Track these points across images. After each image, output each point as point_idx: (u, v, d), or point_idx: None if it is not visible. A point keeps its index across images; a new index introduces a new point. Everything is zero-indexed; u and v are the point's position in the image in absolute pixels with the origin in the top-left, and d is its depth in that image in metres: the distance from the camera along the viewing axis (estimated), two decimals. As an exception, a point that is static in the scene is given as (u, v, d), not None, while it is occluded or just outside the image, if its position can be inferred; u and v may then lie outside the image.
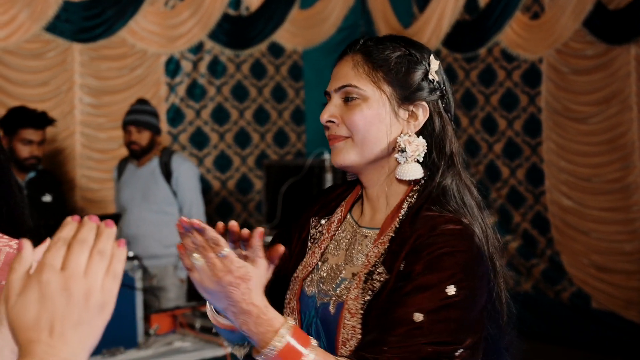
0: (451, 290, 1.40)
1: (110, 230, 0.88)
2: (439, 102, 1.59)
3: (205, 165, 6.50)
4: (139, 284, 3.63)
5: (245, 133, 6.69)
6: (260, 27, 6.57)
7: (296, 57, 6.90)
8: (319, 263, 1.63)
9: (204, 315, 3.72)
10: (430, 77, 1.58)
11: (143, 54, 6.06)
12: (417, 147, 1.55)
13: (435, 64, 1.60)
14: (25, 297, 0.83)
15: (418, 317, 1.38)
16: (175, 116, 6.35)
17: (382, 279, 1.48)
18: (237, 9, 6.51)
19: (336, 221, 1.66)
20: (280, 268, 1.69)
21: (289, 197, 5.31)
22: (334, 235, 1.65)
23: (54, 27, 5.67)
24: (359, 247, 1.59)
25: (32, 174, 4.50)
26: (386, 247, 1.51)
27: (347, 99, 1.57)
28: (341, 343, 1.49)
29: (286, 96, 6.88)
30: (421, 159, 1.56)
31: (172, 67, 6.28)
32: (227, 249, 1.34)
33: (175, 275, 4.71)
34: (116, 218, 4.36)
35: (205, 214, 4.99)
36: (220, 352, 3.58)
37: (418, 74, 1.57)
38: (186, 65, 6.36)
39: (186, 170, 4.75)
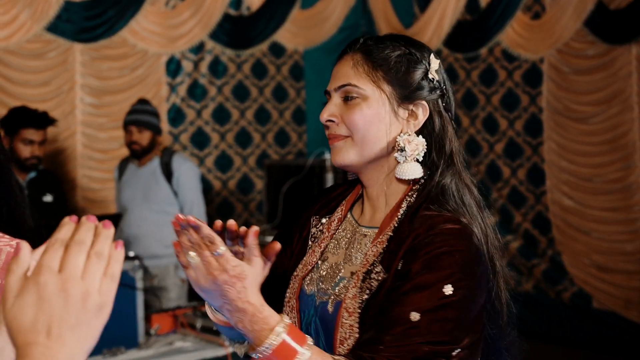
0: (449, 289, 1.40)
1: (107, 231, 0.88)
2: (439, 101, 1.59)
3: (206, 165, 6.50)
4: (139, 284, 3.63)
5: (246, 133, 6.69)
6: (261, 27, 6.57)
7: (297, 57, 6.90)
8: (319, 262, 1.63)
9: (205, 315, 3.72)
10: (430, 76, 1.58)
11: (144, 54, 6.07)
12: (417, 146, 1.54)
13: (435, 63, 1.59)
14: (23, 299, 0.83)
15: (415, 316, 1.38)
16: (176, 116, 6.35)
17: (379, 278, 1.47)
18: (238, 9, 6.51)
19: (336, 220, 1.66)
20: (281, 266, 1.70)
21: (290, 197, 5.31)
22: (334, 234, 1.65)
23: (55, 27, 5.67)
24: (358, 246, 1.59)
25: (33, 174, 4.50)
26: (384, 246, 1.51)
27: (346, 98, 1.57)
28: (339, 342, 1.49)
29: (287, 96, 6.88)
30: (421, 159, 1.55)
31: (173, 67, 6.28)
32: (222, 248, 1.34)
33: (176, 275, 4.71)
34: (117, 218, 4.36)
35: (206, 214, 4.99)
36: (221, 352, 3.58)
37: (418, 73, 1.57)
38: (187, 65, 6.36)
39: (187, 170, 4.75)
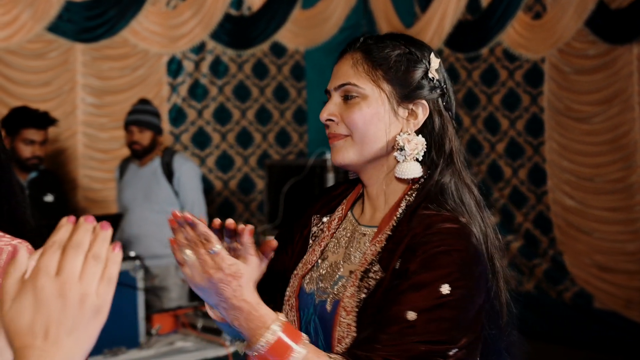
0: (446, 289, 1.39)
1: (105, 232, 0.88)
2: (439, 100, 1.58)
3: (207, 165, 6.50)
4: (140, 284, 3.63)
5: (247, 133, 6.69)
6: (262, 27, 6.57)
7: (298, 57, 6.90)
8: (319, 261, 1.63)
9: (206, 315, 3.72)
10: (430, 75, 1.57)
11: (145, 54, 6.07)
12: (416, 145, 1.54)
13: (435, 62, 1.59)
14: (20, 302, 0.83)
15: (412, 315, 1.38)
16: (177, 116, 6.35)
17: (377, 277, 1.47)
18: (238, 9, 6.51)
19: (337, 219, 1.66)
20: (282, 265, 1.70)
21: (291, 197, 5.31)
22: (334, 233, 1.65)
23: (56, 27, 5.67)
24: (357, 245, 1.59)
25: (34, 174, 4.50)
26: (383, 245, 1.51)
27: (346, 98, 1.56)
28: (337, 341, 1.49)
29: (288, 96, 6.88)
30: (420, 158, 1.55)
31: (174, 67, 6.28)
32: (218, 246, 1.35)
33: (177, 275, 4.71)
34: (118, 218, 4.36)
35: (207, 214, 4.99)
36: (222, 352, 3.58)
37: (418, 72, 1.57)
38: (188, 65, 6.36)
39: (188, 170, 4.75)
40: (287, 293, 1.64)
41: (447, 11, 6.47)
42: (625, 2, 5.56)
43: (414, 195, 1.55)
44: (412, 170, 1.54)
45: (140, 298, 3.60)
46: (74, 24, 5.75)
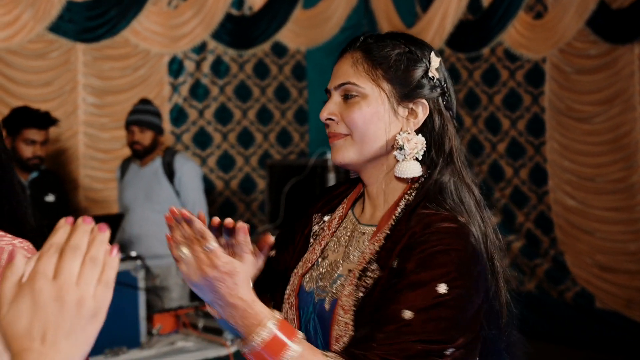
0: (443, 288, 1.39)
1: (103, 235, 0.87)
2: (440, 99, 1.58)
3: (209, 165, 6.50)
4: (141, 283, 3.63)
5: (249, 133, 6.69)
6: (263, 27, 6.57)
7: (299, 57, 6.90)
8: (319, 259, 1.63)
9: (207, 315, 3.72)
10: (430, 74, 1.57)
11: (146, 54, 6.07)
12: (416, 144, 1.54)
13: (435, 61, 1.58)
14: (18, 305, 0.83)
15: (408, 314, 1.37)
16: (179, 116, 6.35)
17: (375, 275, 1.47)
18: (240, 9, 6.51)
19: (337, 218, 1.67)
20: (283, 263, 1.70)
21: (292, 196, 5.31)
22: (335, 232, 1.65)
23: (57, 27, 5.67)
24: (356, 244, 1.59)
25: (35, 174, 4.50)
26: (381, 244, 1.51)
27: (346, 97, 1.56)
28: (334, 339, 1.49)
29: (289, 96, 6.88)
30: (420, 157, 1.55)
31: (175, 67, 6.28)
32: (213, 243, 1.35)
33: (178, 275, 4.71)
34: (119, 218, 4.36)
35: (209, 214, 4.99)
36: (223, 352, 3.58)
37: (418, 72, 1.56)
38: (189, 65, 6.36)
39: (189, 170, 4.75)
40: (287, 292, 1.64)
41: (448, 11, 6.47)
42: (627, 2, 5.55)
43: (413, 194, 1.55)
44: (412, 169, 1.54)
45: (142, 298, 3.60)
46: (75, 24, 5.75)
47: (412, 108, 1.56)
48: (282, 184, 5.42)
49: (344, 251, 1.60)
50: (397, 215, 1.53)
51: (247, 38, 6.54)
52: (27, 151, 4.37)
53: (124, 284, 3.48)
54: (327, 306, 1.54)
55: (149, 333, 3.68)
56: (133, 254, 3.79)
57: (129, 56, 6.02)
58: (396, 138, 1.55)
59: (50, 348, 0.82)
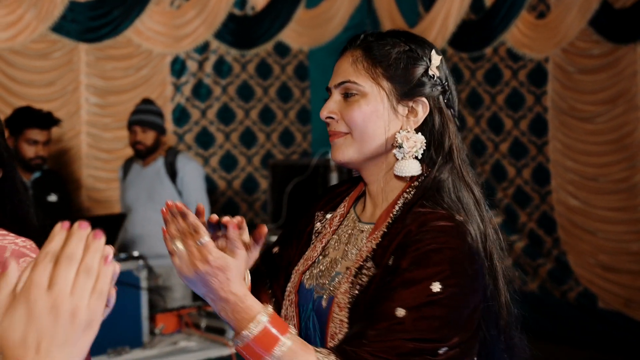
0: (436, 287, 1.38)
1: (98, 243, 0.87)
2: (440, 97, 1.57)
3: (211, 165, 6.50)
4: (144, 283, 3.63)
5: (251, 133, 6.69)
6: (265, 26, 6.57)
7: (302, 57, 6.90)
8: (320, 257, 1.63)
9: (210, 315, 3.72)
10: (430, 72, 1.56)
11: (149, 54, 6.07)
12: (415, 143, 1.54)
13: (436, 59, 1.58)
14: (12, 315, 0.84)
15: (400, 312, 1.37)
16: (181, 116, 6.35)
17: (370, 273, 1.47)
18: (242, 9, 6.51)
19: (339, 216, 1.67)
20: (287, 260, 1.71)
21: (295, 196, 5.31)
22: (336, 229, 1.65)
23: (60, 27, 5.68)
24: (355, 242, 1.59)
25: (37, 174, 4.51)
26: (378, 242, 1.51)
27: (346, 95, 1.56)
28: (330, 337, 1.49)
29: (292, 96, 6.88)
30: (419, 156, 1.55)
31: (178, 67, 6.29)
32: (206, 238, 1.36)
33: (180, 274, 4.70)
34: (122, 218, 4.37)
35: (211, 213, 4.98)
36: (225, 351, 3.58)
37: (418, 70, 1.56)
38: (192, 65, 6.36)
39: (191, 170, 4.75)
40: (288, 288, 1.64)
41: (451, 11, 6.46)
42: (629, 2, 5.55)
43: (412, 192, 1.55)
44: (411, 168, 1.54)
45: (144, 298, 3.60)
46: (78, 24, 5.76)
47: (412, 106, 1.56)
48: (285, 184, 5.42)
49: (344, 249, 1.60)
50: (394, 213, 1.53)
51: (249, 38, 6.54)
52: (29, 151, 4.38)
53: (126, 283, 3.49)
54: (324, 303, 1.54)
55: (152, 333, 3.68)
56: (135, 253, 3.79)
57: (132, 56, 6.03)
58: (395, 136, 1.54)
59: (45, 358, 0.83)
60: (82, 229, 0.87)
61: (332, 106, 1.58)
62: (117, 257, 3.65)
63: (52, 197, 4.56)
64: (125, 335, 3.50)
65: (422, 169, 1.55)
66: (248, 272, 1.54)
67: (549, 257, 6.23)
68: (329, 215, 1.69)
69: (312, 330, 1.56)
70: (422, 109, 1.56)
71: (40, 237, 1.55)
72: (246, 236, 1.45)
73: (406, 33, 1.62)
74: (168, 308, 4.05)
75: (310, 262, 1.63)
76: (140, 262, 3.64)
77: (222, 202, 6.52)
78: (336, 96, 1.58)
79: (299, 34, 6.77)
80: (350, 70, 1.56)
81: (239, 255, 1.38)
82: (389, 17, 6.89)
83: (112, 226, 4.14)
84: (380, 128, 1.54)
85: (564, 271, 6.11)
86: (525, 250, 6.32)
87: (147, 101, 4.89)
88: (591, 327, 5.90)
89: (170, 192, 4.69)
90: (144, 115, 4.70)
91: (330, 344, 1.47)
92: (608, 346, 5.75)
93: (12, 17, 5.46)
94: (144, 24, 5.99)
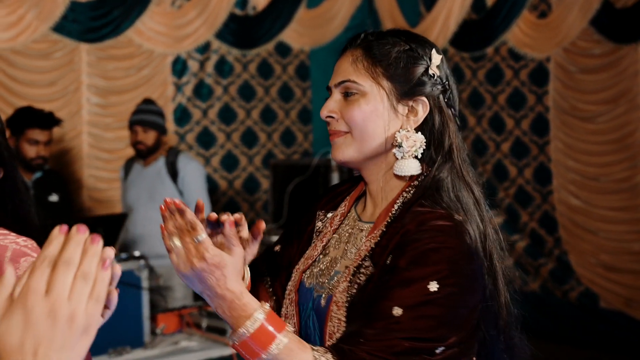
0: (434, 286, 1.38)
1: (95, 248, 0.87)
2: (441, 97, 1.57)
3: (212, 164, 6.50)
4: (145, 283, 3.63)
5: (252, 133, 6.69)
6: (267, 26, 6.57)
7: (303, 57, 6.90)
8: (320, 256, 1.63)
9: (211, 315, 3.72)
10: (431, 72, 1.56)
11: (150, 54, 6.07)
12: (415, 142, 1.53)
13: (437, 58, 1.57)
14: (10, 320, 0.84)
15: (397, 311, 1.37)
16: (182, 116, 6.35)
17: (368, 272, 1.47)
18: (243, 9, 6.51)
19: (339, 215, 1.67)
20: (288, 259, 1.71)
21: (296, 196, 5.31)
22: (337, 229, 1.65)
23: (61, 27, 5.68)
24: (354, 241, 1.59)
25: (38, 174, 4.51)
26: (377, 241, 1.51)
27: (346, 94, 1.56)
28: (328, 335, 1.49)
29: (293, 96, 6.88)
30: (419, 155, 1.55)
31: (179, 67, 6.29)
32: (203, 235, 1.36)
33: (181, 274, 4.70)
34: (123, 218, 4.37)
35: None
36: (227, 351, 3.58)
37: (418, 69, 1.56)
38: (193, 65, 6.36)
39: (192, 170, 4.76)
40: (289, 287, 1.65)
41: (452, 10, 6.46)
42: (631, 1, 5.54)
43: (411, 192, 1.54)
44: (410, 167, 1.54)
45: (145, 298, 3.60)
46: (79, 24, 5.76)
47: (412, 106, 1.56)
48: (286, 184, 5.42)
49: (344, 248, 1.60)
50: (393, 212, 1.53)
51: (250, 38, 6.54)
52: (30, 151, 4.38)
53: (127, 283, 3.49)
54: (323, 302, 1.54)
55: (153, 333, 3.68)
56: (136, 253, 3.79)
57: (133, 56, 6.03)
58: (395, 136, 1.54)
59: None
60: (80, 233, 0.87)
61: (332, 105, 1.58)
62: (118, 257, 3.65)
63: (53, 197, 4.56)
64: (126, 335, 3.50)
65: (422, 169, 1.55)
66: (247, 268, 1.54)
67: (550, 257, 6.23)
68: (330, 215, 1.69)
69: (312, 329, 1.56)
70: (422, 108, 1.55)
71: (41, 237, 1.55)
72: (245, 232, 1.45)
73: (406, 32, 1.62)
74: (169, 308, 4.05)
75: (310, 261, 1.63)
76: (142, 262, 3.64)
77: (223, 202, 6.52)
78: (336, 95, 1.58)
79: (300, 34, 6.77)
80: (350, 69, 1.56)
81: (235, 253, 1.39)
82: (390, 17, 6.89)
83: (113, 226, 4.14)
84: (380, 127, 1.54)
85: (566, 271, 6.11)
86: (527, 250, 6.32)
87: (148, 101, 4.90)
88: (592, 327, 5.90)
89: (172, 192, 4.69)
90: (145, 115, 4.71)
91: (329, 342, 1.47)
92: (609, 346, 5.74)
93: (14, 17, 5.46)
94: (145, 24, 6.00)
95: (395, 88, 1.54)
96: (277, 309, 1.68)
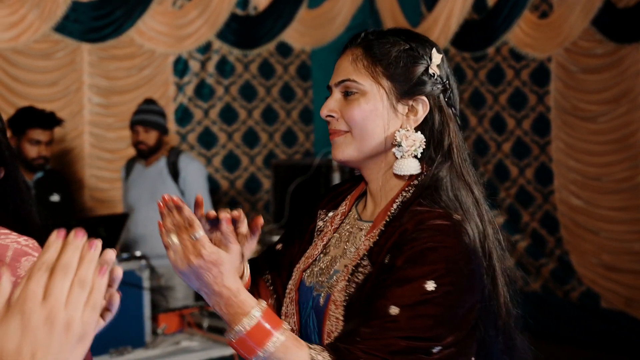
0: (430, 285, 1.38)
1: (93, 254, 0.87)
2: (441, 96, 1.57)
3: (214, 164, 6.51)
4: (146, 283, 3.63)
5: (254, 133, 6.69)
6: (268, 26, 6.57)
7: (304, 57, 6.90)
8: (321, 255, 1.63)
9: (212, 315, 3.72)
10: (431, 71, 1.56)
11: (151, 54, 6.08)
12: (414, 142, 1.53)
13: (437, 57, 1.57)
14: (7, 326, 0.84)
15: (394, 310, 1.37)
16: (184, 116, 6.36)
17: (366, 271, 1.47)
18: (245, 9, 6.51)
19: (340, 214, 1.67)
20: (289, 258, 1.71)
21: (297, 196, 5.32)
22: (337, 228, 1.65)
23: (63, 27, 5.68)
24: (354, 240, 1.59)
25: (39, 174, 4.51)
26: (375, 240, 1.51)
27: (346, 94, 1.56)
28: (327, 334, 1.49)
29: (294, 96, 6.88)
30: (419, 154, 1.54)
31: (181, 67, 6.29)
32: (200, 232, 1.36)
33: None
34: (124, 218, 4.37)
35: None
36: (228, 351, 3.58)
37: (419, 68, 1.55)
38: (194, 65, 6.36)
39: (194, 170, 4.76)
40: (289, 286, 1.65)
41: (454, 10, 6.46)
42: (632, 1, 5.54)
43: (410, 191, 1.54)
44: (410, 166, 1.53)
45: (146, 297, 3.61)
46: (80, 24, 5.76)
47: (412, 105, 1.55)
48: (287, 184, 5.43)
49: (344, 247, 1.60)
50: (392, 212, 1.53)
51: (252, 38, 6.54)
52: (32, 151, 4.38)
53: (128, 283, 3.49)
54: (321, 301, 1.54)
55: (154, 333, 3.68)
56: (138, 253, 3.80)
57: (135, 56, 6.03)
58: (395, 135, 1.54)
59: None
60: (78, 238, 0.87)
61: (332, 105, 1.58)
62: (119, 257, 3.65)
63: (55, 197, 4.56)
64: (127, 335, 3.50)
65: (422, 168, 1.55)
66: (247, 265, 1.54)
67: (551, 257, 6.22)
68: (330, 214, 1.70)
69: (311, 327, 1.56)
70: (422, 108, 1.55)
71: (42, 237, 1.55)
72: (245, 228, 1.45)
73: (407, 31, 1.61)
74: (170, 308, 4.05)
75: (311, 260, 1.63)
76: (143, 262, 3.65)
77: (224, 202, 6.52)
78: (336, 95, 1.58)
79: (302, 34, 6.77)
80: (351, 68, 1.56)
81: (232, 250, 1.39)
82: (392, 17, 6.89)
83: (114, 226, 4.14)
84: (379, 127, 1.54)
85: (567, 271, 6.11)
86: (528, 250, 6.32)
87: (149, 101, 4.90)
88: (594, 326, 5.89)
89: (173, 192, 4.69)
90: (147, 115, 4.71)
91: (327, 341, 1.47)
92: (611, 346, 5.74)
93: (15, 17, 5.47)
94: (147, 24, 6.00)
95: (395, 87, 1.54)
96: (277, 307, 1.68)
